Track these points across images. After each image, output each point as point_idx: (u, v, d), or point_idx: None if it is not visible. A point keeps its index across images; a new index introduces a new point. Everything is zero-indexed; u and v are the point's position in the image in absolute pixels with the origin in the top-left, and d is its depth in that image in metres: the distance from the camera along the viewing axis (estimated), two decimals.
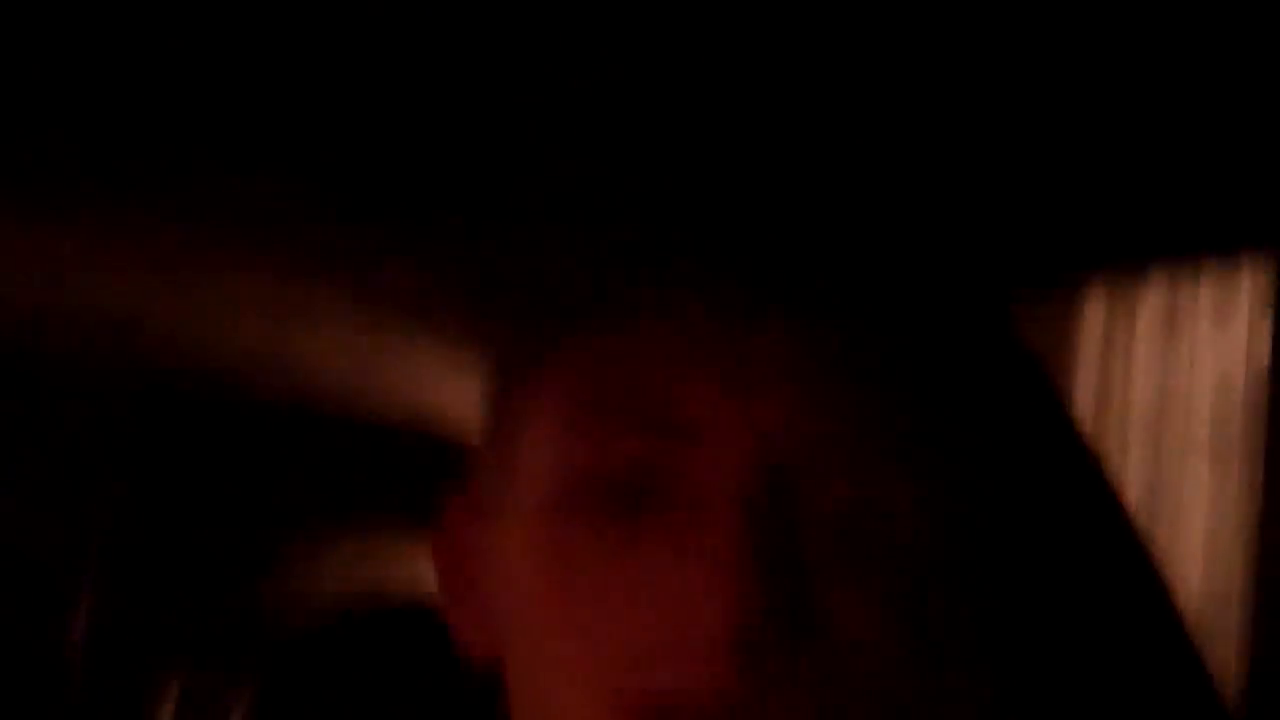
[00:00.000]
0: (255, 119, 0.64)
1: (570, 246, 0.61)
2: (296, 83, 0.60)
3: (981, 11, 0.50)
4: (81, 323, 1.84)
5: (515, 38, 0.55)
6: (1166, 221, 0.67)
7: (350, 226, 0.74)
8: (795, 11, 0.52)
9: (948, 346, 0.55)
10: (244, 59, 0.59)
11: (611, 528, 0.52)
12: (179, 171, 0.72)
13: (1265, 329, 2.11)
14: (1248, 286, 2.12)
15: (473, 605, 0.60)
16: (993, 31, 0.52)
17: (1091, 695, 0.60)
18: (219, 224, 0.80)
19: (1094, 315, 2.40)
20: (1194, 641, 0.64)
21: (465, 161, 0.65)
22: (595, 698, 0.51)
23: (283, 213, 0.75)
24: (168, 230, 0.82)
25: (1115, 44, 0.52)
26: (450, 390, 0.95)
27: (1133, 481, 2.24)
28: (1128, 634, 0.62)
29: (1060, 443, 0.64)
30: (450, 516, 0.62)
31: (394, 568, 2.23)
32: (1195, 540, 2.16)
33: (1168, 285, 2.26)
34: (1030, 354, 0.63)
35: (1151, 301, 2.28)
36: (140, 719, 1.65)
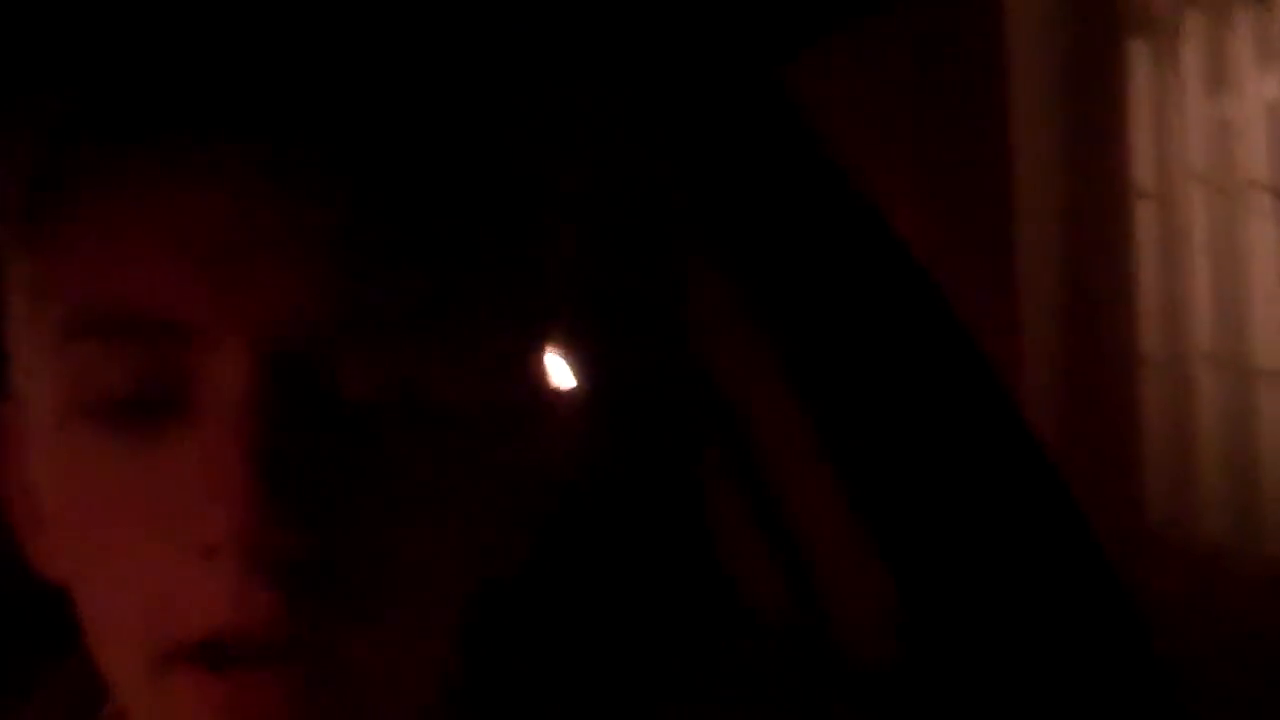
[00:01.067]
0: None
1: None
2: None
3: None
4: None
5: None
6: None
7: None
8: None
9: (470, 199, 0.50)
10: None
11: (114, 439, 0.47)
12: None
13: None
14: None
15: (28, 520, 0.54)
16: None
17: None
18: None
19: (1140, 72, 2.37)
20: None
21: None
22: (141, 653, 0.47)
23: None
24: None
25: None
26: None
27: (1200, 226, 2.23)
28: None
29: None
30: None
31: None
32: (1265, 279, 2.15)
33: (1208, 33, 2.22)
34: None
35: (1194, 50, 2.24)
36: None
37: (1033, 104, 2.43)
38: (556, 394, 0.54)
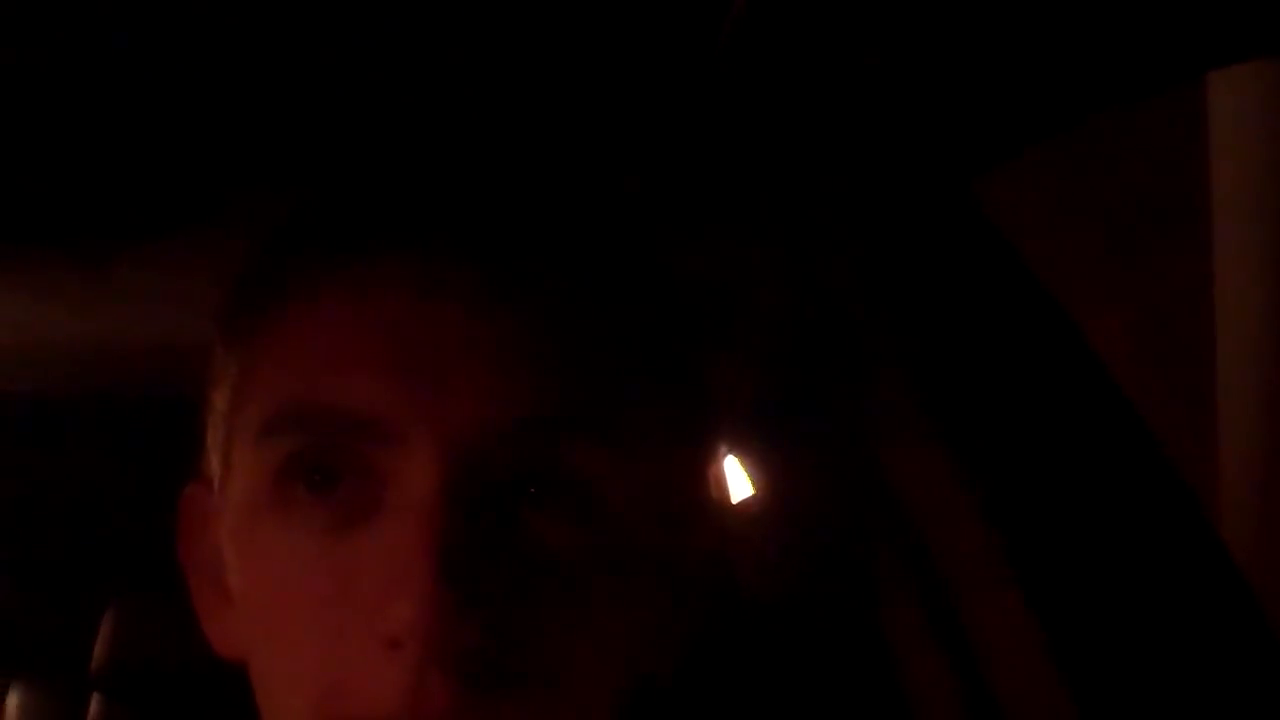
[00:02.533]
0: None
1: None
2: None
3: None
4: None
5: None
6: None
7: None
8: None
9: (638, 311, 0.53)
10: None
11: (308, 530, 0.50)
12: None
13: None
14: None
15: (212, 597, 0.58)
16: None
17: None
18: None
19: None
20: None
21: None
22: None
23: None
24: None
25: None
26: None
27: None
28: None
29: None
30: (187, 498, 0.60)
31: None
32: None
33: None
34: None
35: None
36: None
37: (1237, 211, 2.37)
38: (725, 499, 0.56)
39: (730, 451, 0.57)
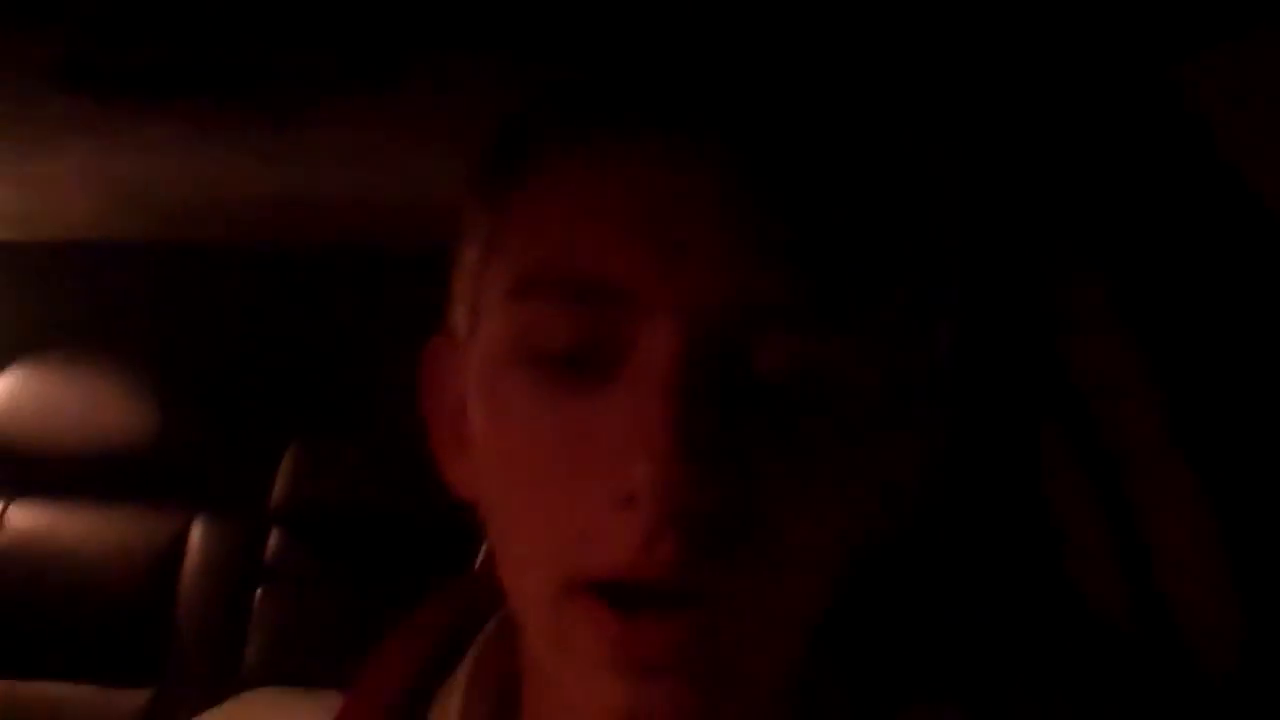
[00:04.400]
0: None
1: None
2: None
3: None
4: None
5: None
6: None
7: None
8: None
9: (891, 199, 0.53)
10: None
11: (551, 388, 0.52)
12: None
13: None
14: None
15: (452, 443, 0.59)
16: None
17: None
18: None
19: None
20: None
21: None
22: (547, 580, 0.52)
23: None
24: None
25: None
26: None
27: None
28: None
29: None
30: (432, 350, 0.61)
31: None
32: None
33: None
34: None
35: None
36: None
37: None
38: (938, 376, 0.57)
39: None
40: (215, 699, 0.91)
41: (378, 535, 2.17)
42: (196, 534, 2.23)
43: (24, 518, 2.22)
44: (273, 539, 2.24)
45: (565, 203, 0.53)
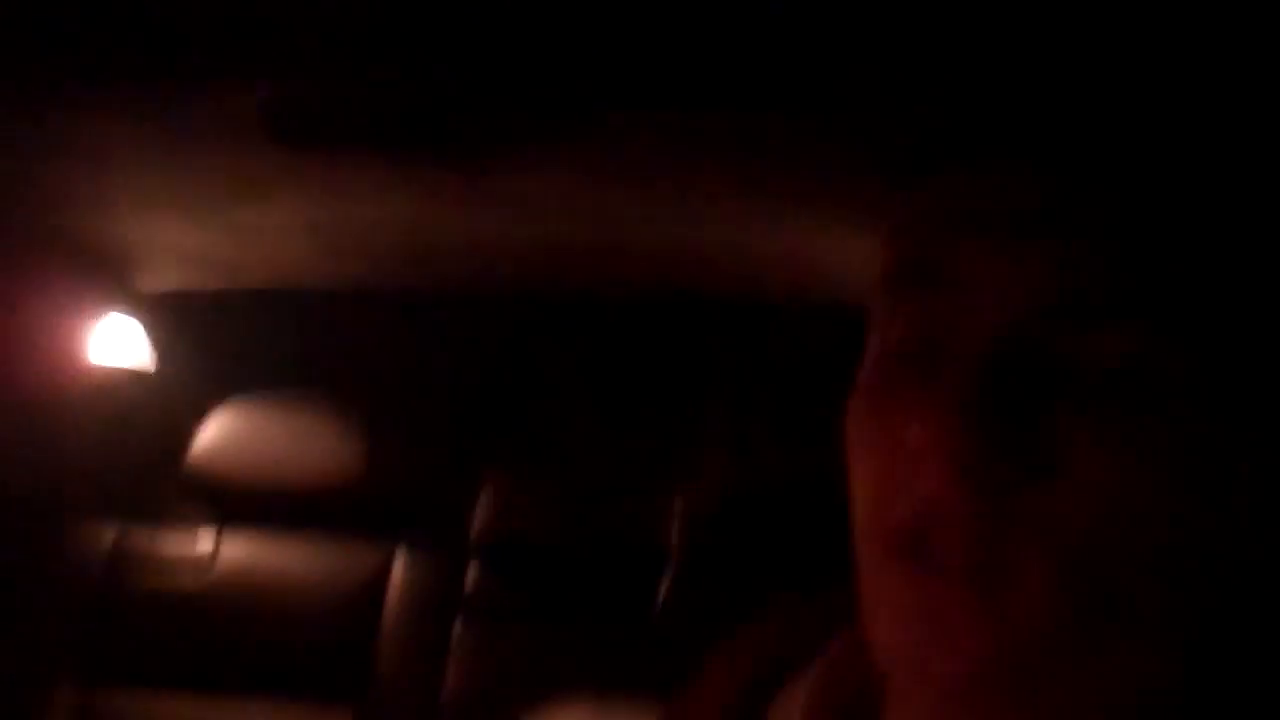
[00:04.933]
0: None
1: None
2: None
3: None
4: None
5: None
6: None
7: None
8: None
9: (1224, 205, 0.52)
10: None
11: (887, 394, 0.55)
12: None
13: None
14: None
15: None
16: None
17: None
18: None
19: None
20: None
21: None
22: (874, 539, 0.54)
23: None
24: None
25: None
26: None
27: None
28: None
29: None
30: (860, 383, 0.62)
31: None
32: None
33: None
34: None
35: None
36: None
37: None
38: None
39: None
40: None
41: (570, 568, 2.21)
42: (399, 565, 2.31)
43: (237, 547, 2.32)
44: (471, 570, 2.30)
45: (921, 203, 0.56)
